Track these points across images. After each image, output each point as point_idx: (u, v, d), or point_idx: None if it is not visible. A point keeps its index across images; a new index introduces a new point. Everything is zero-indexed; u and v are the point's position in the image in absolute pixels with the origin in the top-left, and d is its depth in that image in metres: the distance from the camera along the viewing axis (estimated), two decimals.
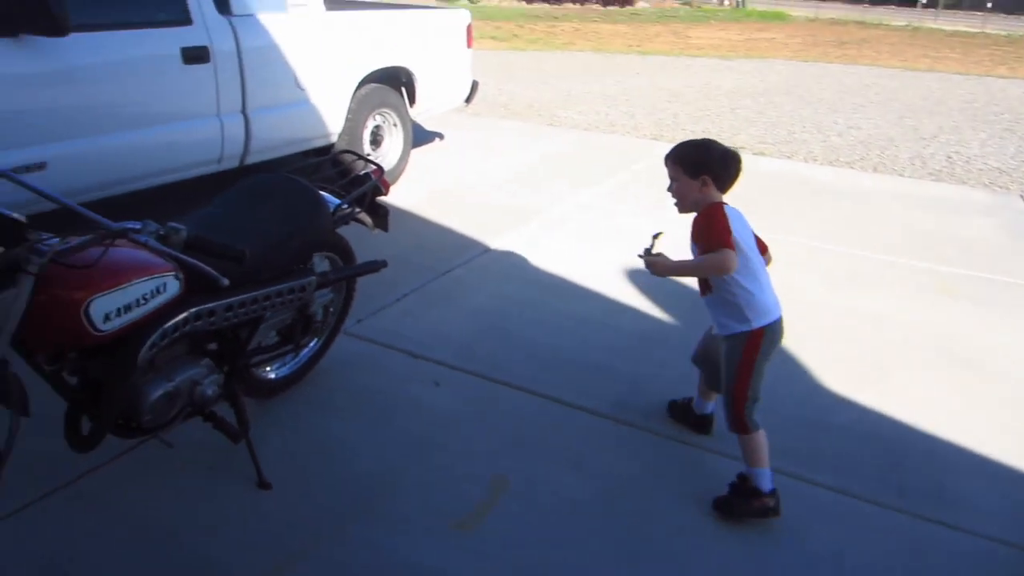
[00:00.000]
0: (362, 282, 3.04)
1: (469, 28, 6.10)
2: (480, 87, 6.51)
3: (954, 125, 8.71)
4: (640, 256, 2.39)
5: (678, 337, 3.43)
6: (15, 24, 3.14)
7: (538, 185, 5.67)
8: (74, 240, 1.67)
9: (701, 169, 2.26)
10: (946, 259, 4.33)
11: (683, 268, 2.39)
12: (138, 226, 1.70)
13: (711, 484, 2.43)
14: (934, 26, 26.32)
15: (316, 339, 2.87)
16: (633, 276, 4.05)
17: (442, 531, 2.20)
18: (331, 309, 2.89)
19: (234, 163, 4.40)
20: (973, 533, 2.31)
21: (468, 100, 6.30)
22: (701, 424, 2.72)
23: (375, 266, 2.77)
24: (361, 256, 2.89)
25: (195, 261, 1.82)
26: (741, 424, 2.30)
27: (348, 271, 2.76)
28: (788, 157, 6.95)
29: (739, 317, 2.27)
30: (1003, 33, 24.36)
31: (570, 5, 29.06)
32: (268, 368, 2.74)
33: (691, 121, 8.42)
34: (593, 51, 15.69)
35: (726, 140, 7.34)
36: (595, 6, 29.42)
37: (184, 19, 3.92)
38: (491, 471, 2.46)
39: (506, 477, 2.43)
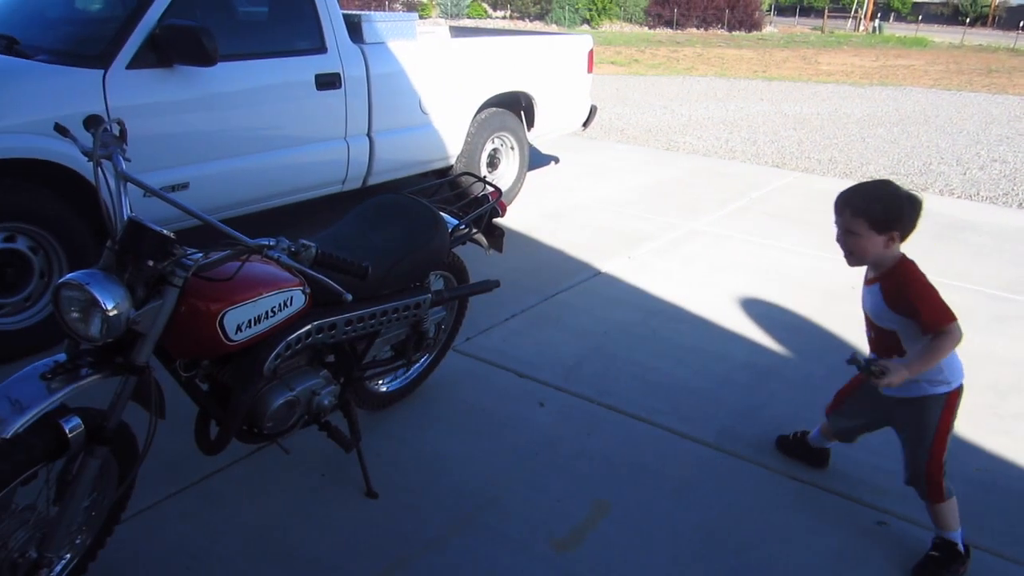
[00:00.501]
0: (472, 301, 3.13)
1: (590, 54, 6.16)
2: (598, 111, 6.55)
3: None
4: (863, 370, 2.03)
5: (791, 371, 3.32)
6: (171, 56, 3.44)
7: (651, 210, 5.63)
8: (214, 255, 1.81)
9: (892, 225, 2.01)
10: None
11: (921, 365, 2.00)
12: (272, 242, 1.82)
13: (818, 520, 2.35)
14: None
15: (427, 355, 2.97)
16: (746, 306, 3.95)
17: (541, 549, 2.22)
18: (443, 326, 2.98)
19: (357, 184, 4.63)
20: None
21: (586, 125, 6.36)
22: (820, 457, 2.62)
23: (488, 286, 2.83)
24: (474, 276, 2.97)
25: (322, 276, 1.93)
26: (939, 492, 2.15)
27: (462, 290, 2.84)
28: (923, 189, 6.56)
29: (936, 379, 2.09)
30: None
31: (693, 30, 28.75)
32: (381, 381, 2.86)
33: (817, 149, 8.12)
34: (716, 76, 15.43)
35: (855, 170, 7.12)
36: (719, 31, 28.96)
37: (320, 47, 4.19)
38: (592, 494, 2.46)
39: (607, 501, 2.43)
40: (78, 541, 1.93)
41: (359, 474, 2.44)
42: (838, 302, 4.01)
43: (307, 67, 4.10)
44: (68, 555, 1.92)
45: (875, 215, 2.00)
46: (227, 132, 3.78)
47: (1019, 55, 23.12)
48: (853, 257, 2.10)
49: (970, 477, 2.60)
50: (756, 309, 3.92)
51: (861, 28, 32.99)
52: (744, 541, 2.29)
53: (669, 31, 28.24)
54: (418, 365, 2.96)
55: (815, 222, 5.41)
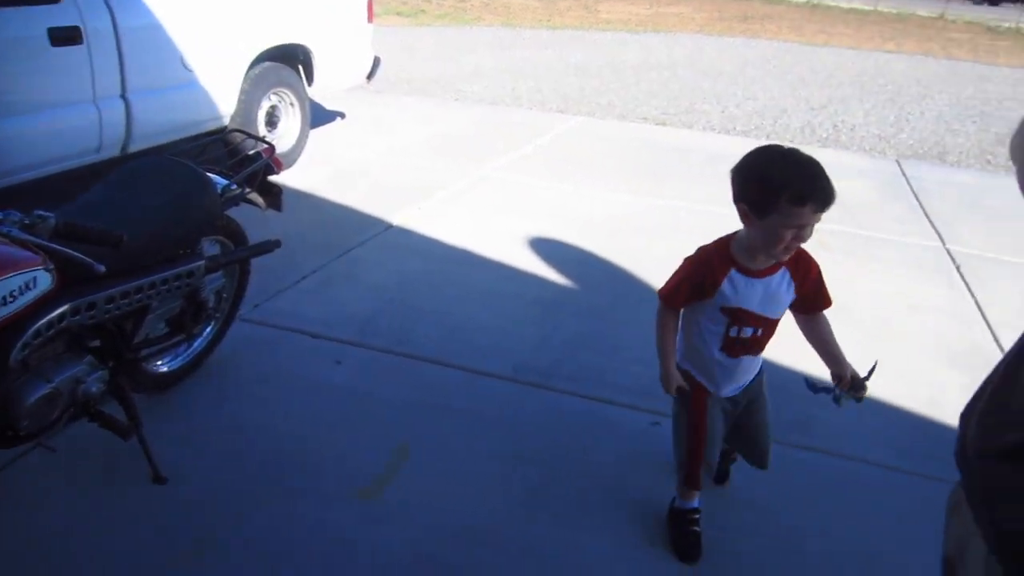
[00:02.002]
0: (260, 266, 3.00)
1: (370, 3, 5.98)
2: (384, 63, 6.42)
3: (842, 96, 9.13)
4: (843, 398, 1.86)
5: (577, 302, 3.54)
6: None
7: (441, 160, 5.67)
8: None
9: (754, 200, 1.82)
10: (825, 217, 4.56)
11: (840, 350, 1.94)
12: None
13: (605, 431, 2.59)
14: (832, 3, 27.34)
15: (210, 327, 2.82)
16: (535, 245, 4.13)
17: (348, 501, 2.23)
18: (224, 295, 2.83)
19: (115, 151, 4.18)
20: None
21: (370, 77, 6.19)
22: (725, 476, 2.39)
23: (268, 246, 2.72)
24: (258, 238, 2.84)
25: (66, 249, 1.75)
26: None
27: (239, 253, 2.71)
28: (688, 127, 7.15)
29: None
30: (893, 11, 25.54)
31: None
32: (159, 361, 2.66)
33: (597, 94, 8.54)
34: (502, 25, 15.64)
35: (630, 112, 7.56)
36: None
37: None
38: (393, 440, 2.50)
39: (407, 445, 2.48)
40: None
41: (146, 463, 2.29)
42: (617, 237, 4.30)
43: (36, 19, 3.60)
44: None
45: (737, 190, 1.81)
46: None
47: (770, 3, 25.54)
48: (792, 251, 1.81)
49: None
50: (545, 248, 4.11)
51: None
52: (539, 461, 2.44)
53: None
54: (201, 339, 2.79)
55: (597, 163, 5.73)
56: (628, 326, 3.31)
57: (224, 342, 2.92)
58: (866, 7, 26.61)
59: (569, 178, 5.36)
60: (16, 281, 1.76)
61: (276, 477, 2.32)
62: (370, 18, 6.03)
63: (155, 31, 4.21)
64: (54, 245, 1.76)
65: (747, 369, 1.98)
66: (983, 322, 3.49)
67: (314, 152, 5.60)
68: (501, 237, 4.22)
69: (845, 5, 26.88)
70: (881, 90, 9.67)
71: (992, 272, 4.04)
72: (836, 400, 1.84)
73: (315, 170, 5.26)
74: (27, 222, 1.66)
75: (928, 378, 3.02)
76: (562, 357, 3.03)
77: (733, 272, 1.86)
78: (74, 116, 3.84)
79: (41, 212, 1.69)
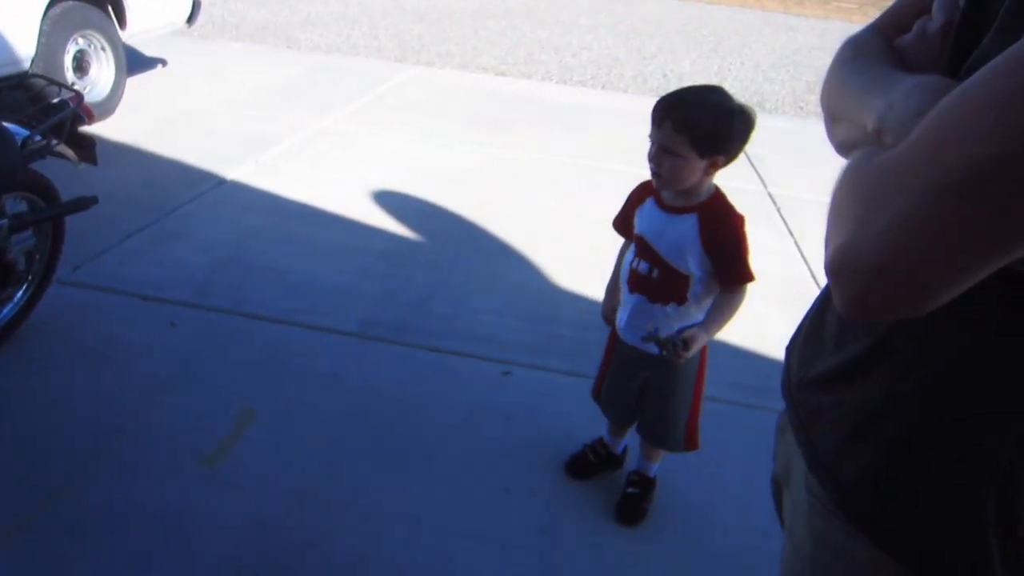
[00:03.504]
0: (81, 225, 2.77)
1: None
2: (207, 7, 6.00)
3: (671, 46, 9.57)
4: (666, 347, 1.70)
5: (424, 254, 3.54)
6: None
7: (276, 111, 5.41)
8: None
9: (719, 148, 1.65)
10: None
11: (718, 326, 1.77)
12: None
13: (454, 382, 2.63)
14: None
15: (21, 291, 2.58)
16: (379, 198, 4.07)
17: (187, 470, 2.14)
18: (37, 256, 2.60)
19: None
20: None
21: (190, 21, 5.77)
22: (619, 461, 2.28)
23: (83, 203, 2.52)
24: (77, 193, 2.61)
25: None
26: (696, 439, 2.03)
27: (50, 211, 2.48)
28: (527, 77, 7.24)
29: (696, 324, 1.79)
30: None
31: None
32: None
33: (435, 42, 8.43)
34: None
35: (470, 62, 7.55)
36: None
37: None
38: (237, 404, 2.42)
39: (252, 408, 2.41)
40: None
41: None
42: (461, 187, 4.33)
43: None
44: None
45: (702, 132, 1.62)
46: None
47: None
48: (664, 180, 1.73)
49: (575, 320, 3.07)
50: (389, 200, 4.07)
51: None
52: (387, 417, 2.44)
53: None
54: (11, 305, 2.55)
55: (438, 113, 5.69)
56: (476, 276, 3.37)
57: (41, 307, 2.69)
58: None
59: (410, 129, 5.30)
60: None
61: (105, 452, 2.19)
62: None
63: None
64: None
65: (639, 313, 1.84)
66: (802, 260, 3.84)
67: (134, 102, 5.16)
68: (343, 191, 4.13)
69: None
70: (705, 40, 10.22)
71: (808, 213, 4.43)
72: (659, 347, 1.72)
73: (136, 121, 4.87)
74: None
75: (756, 313, 3.30)
76: (410, 311, 3.04)
77: (649, 200, 1.84)
78: None
79: None
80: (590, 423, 2.30)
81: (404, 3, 11.15)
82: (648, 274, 1.82)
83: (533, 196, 4.31)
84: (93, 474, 2.10)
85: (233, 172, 4.24)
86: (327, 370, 2.64)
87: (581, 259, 3.56)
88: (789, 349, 0.97)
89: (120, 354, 2.62)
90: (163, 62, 6.51)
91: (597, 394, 2.17)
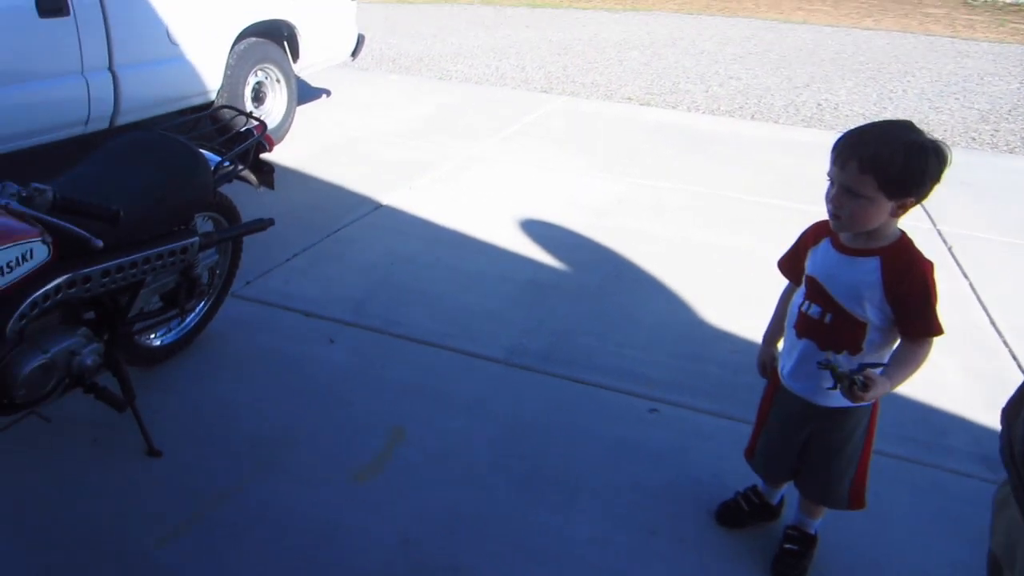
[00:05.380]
0: (251, 243, 2.98)
1: None
2: (367, 41, 6.35)
3: (824, 75, 9.17)
4: (843, 380, 1.52)
5: (568, 284, 3.54)
6: None
7: (429, 139, 5.63)
8: None
9: (910, 189, 1.53)
10: (810, 199, 4.59)
11: (901, 376, 1.61)
12: None
13: (601, 416, 2.59)
14: None
15: (203, 303, 2.81)
16: (525, 227, 4.13)
17: (340, 483, 2.24)
18: (217, 271, 2.82)
19: (104, 124, 4.16)
20: None
21: (354, 55, 6.15)
22: (775, 512, 2.15)
23: (261, 224, 2.71)
24: (249, 216, 2.82)
25: (63, 223, 1.73)
26: (863, 498, 1.88)
27: (233, 230, 2.69)
28: (673, 107, 7.15)
29: None
30: None
31: None
32: (153, 335, 2.66)
33: (580, 73, 8.51)
34: (482, 4, 15.49)
35: (615, 92, 7.55)
36: None
37: None
38: (388, 422, 2.51)
39: (402, 427, 2.48)
40: None
41: (139, 436, 2.29)
42: (607, 217, 4.31)
43: None
44: None
45: (893, 173, 1.50)
46: None
47: None
48: (844, 223, 1.60)
49: (724, 360, 2.97)
50: (534, 229, 4.11)
51: None
52: (532, 447, 2.44)
53: None
54: (194, 314, 2.79)
55: (584, 143, 5.72)
56: (622, 309, 3.33)
57: (216, 318, 2.91)
58: None
59: (557, 158, 5.36)
60: (12, 252, 1.75)
61: (266, 456, 2.33)
62: None
63: (141, 4, 4.15)
64: (52, 219, 1.74)
65: (807, 360, 1.71)
66: (978, 303, 3.51)
67: (301, 129, 5.54)
68: (490, 218, 4.22)
69: None
70: (862, 68, 9.72)
71: (982, 251, 4.08)
72: (835, 380, 1.55)
73: (302, 148, 5.21)
74: (24, 195, 1.65)
75: (928, 360, 3.06)
76: (555, 341, 3.04)
77: (825, 241, 1.73)
78: (63, 88, 3.80)
79: (39, 185, 1.67)
80: (742, 469, 2.19)
81: (550, 36, 11.35)
82: (820, 319, 1.70)
83: (679, 228, 4.22)
84: (254, 480, 2.23)
85: (388, 197, 4.43)
86: (474, 395, 2.68)
87: (730, 295, 3.44)
88: (1007, 413, 0.88)
89: (283, 366, 2.78)
90: (327, 92, 6.95)
91: (751, 454, 2.05)
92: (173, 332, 2.74)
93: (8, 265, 1.74)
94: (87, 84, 3.91)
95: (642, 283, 3.60)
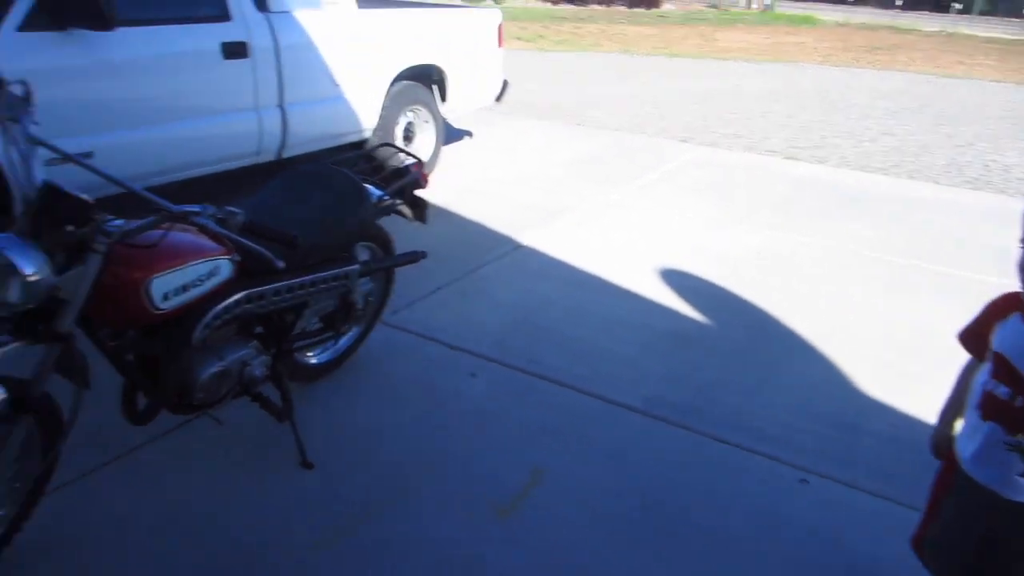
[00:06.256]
0: (399, 274, 3.09)
1: (500, 28, 6.15)
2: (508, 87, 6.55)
3: (991, 133, 8.60)
4: None
5: (709, 337, 3.44)
6: (65, 18, 3.22)
7: (567, 183, 5.70)
8: (138, 221, 1.73)
9: None
10: (978, 267, 4.29)
11: None
12: (197, 209, 1.75)
13: (745, 481, 2.46)
14: (968, 32, 25.95)
15: (356, 327, 2.92)
16: (664, 275, 4.06)
17: (479, 516, 2.24)
18: (371, 298, 2.93)
19: (271, 156, 4.48)
20: None
21: (499, 99, 6.35)
22: None
23: (415, 256, 2.81)
24: (399, 248, 2.93)
25: (252, 244, 1.86)
26: None
27: (390, 260, 2.80)
28: (820, 162, 6.90)
29: None
30: None
31: (596, 7, 29.06)
32: (310, 353, 2.79)
33: (721, 124, 8.40)
34: (620, 52, 15.67)
35: (758, 144, 7.39)
36: (621, 8, 29.40)
37: (223, 15, 4.00)
38: (528, 461, 2.49)
39: (542, 468, 2.46)
40: (2, 513, 1.82)
41: (292, 446, 2.39)
42: (746, 270, 4.18)
43: (212, 35, 3.92)
44: None
45: None
46: (131, 101, 3.59)
47: (899, 32, 24.52)
48: None
49: (882, 433, 2.77)
50: (673, 279, 4.04)
51: (754, 6, 34.15)
52: (678, 505, 2.36)
53: (572, 7, 28.42)
54: (347, 338, 2.91)
55: (725, 194, 5.61)
56: (768, 368, 3.19)
57: (366, 343, 3.02)
58: (1008, 36, 25.03)
59: (695, 207, 5.27)
60: (204, 268, 1.90)
61: (408, 480, 2.37)
62: (500, 43, 6.19)
63: (310, 49, 4.47)
64: (242, 239, 1.86)
65: (993, 445, 1.57)
66: None
67: (445, 169, 5.75)
68: (628, 264, 4.18)
69: (983, 34, 25.39)
70: None
71: None
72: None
73: (446, 186, 5.39)
74: (220, 216, 1.77)
75: None
76: (697, 395, 2.94)
77: (1015, 315, 1.60)
78: (239, 122, 4.13)
79: (232, 208, 1.79)
80: (907, 558, 1.98)
81: (689, 85, 11.31)
82: (1010, 400, 1.54)
83: (829, 287, 4.03)
84: (397, 502, 2.27)
85: (527, 238, 4.49)
86: (611, 443, 2.63)
87: (888, 364, 3.23)
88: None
89: (427, 395, 2.83)
90: (470, 134, 7.20)
91: (919, 544, 1.84)
92: (328, 352, 2.86)
93: (200, 279, 1.89)
94: (260, 119, 4.23)
95: (790, 342, 3.44)
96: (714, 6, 33.19)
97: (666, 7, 31.07)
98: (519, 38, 17.15)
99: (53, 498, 2.06)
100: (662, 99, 9.89)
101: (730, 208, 5.28)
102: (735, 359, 3.25)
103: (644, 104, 9.43)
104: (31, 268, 1.54)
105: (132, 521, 2.12)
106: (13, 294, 1.56)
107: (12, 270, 1.53)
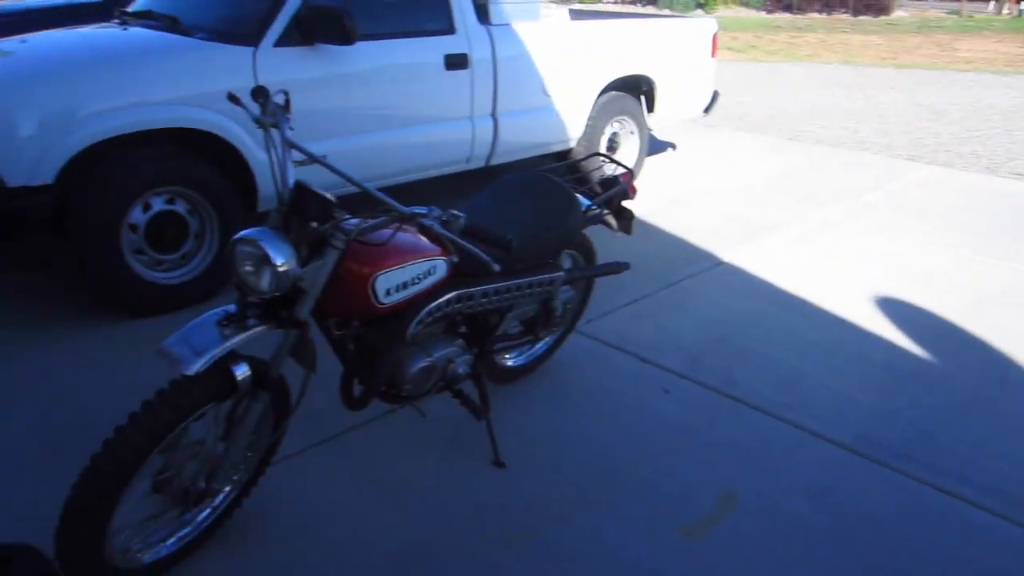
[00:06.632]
0: (596, 284, 3.10)
1: (715, 38, 5.99)
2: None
3: None
4: None
5: (935, 377, 3.11)
6: (314, 35, 3.57)
7: (776, 200, 5.43)
8: (371, 221, 1.87)
9: None
10: None
11: None
12: (424, 211, 1.86)
13: (967, 539, 2.21)
14: None
15: (552, 333, 2.97)
16: (884, 304, 3.75)
17: (663, 533, 2.19)
18: (569, 306, 2.97)
19: (480, 163, 4.68)
20: None
21: (707, 110, 6.19)
22: None
23: (618, 267, 2.81)
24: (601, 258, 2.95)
25: (470, 246, 1.96)
26: None
27: (593, 270, 2.82)
28: None
29: None
30: None
31: (815, 15, 27.50)
32: (507, 355, 2.88)
33: (956, 142, 7.60)
34: (841, 63, 14.69)
35: (1000, 165, 6.61)
36: (844, 16, 27.56)
37: (449, 28, 4.24)
38: (717, 484, 2.41)
39: (736, 493, 2.36)
40: (236, 477, 2.07)
41: (486, 444, 2.48)
42: (988, 308, 3.74)
43: (437, 48, 4.17)
44: (228, 489, 2.07)
45: None
46: (361, 109, 3.89)
47: None
48: None
49: None
50: (895, 308, 3.71)
51: (1005, 11, 30.48)
52: (883, 553, 2.16)
53: (789, 16, 27.09)
54: (543, 343, 2.97)
55: (959, 219, 5.08)
56: (1004, 417, 2.84)
57: (560, 350, 3.06)
58: None
59: (923, 234, 4.81)
60: (423, 267, 2.02)
61: (596, 491, 2.36)
62: (713, 53, 6.03)
63: (524, 60, 4.62)
64: (463, 242, 1.96)
65: None
66: None
67: (646, 180, 5.70)
68: (842, 289, 3.91)
69: None
70: None
71: None
72: None
73: (647, 197, 5.35)
74: (444, 218, 1.87)
75: None
76: (915, 437, 2.68)
77: None
78: (455, 130, 4.36)
79: (455, 212, 1.88)
80: None
81: (920, 99, 10.35)
82: None
83: None
84: (585, 510, 2.28)
85: (730, 254, 4.34)
86: (814, 478, 2.47)
87: None
88: None
89: (618, 407, 2.82)
90: (672, 145, 7.08)
91: None
92: (524, 356, 2.94)
93: (418, 277, 2.01)
94: (473, 128, 4.44)
95: None
96: (955, 12, 30.13)
97: (896, 14, 28.67)
98: (730, 48, 16.64)
99: (277, 469, 2.29)
100: (888, 113, 9.13)
101: (965, 236, 4.76)
102: (965, 404, 2.92)
103: (866, 118, 8.76)
104: (282, 259, 1.72)
105: (341, 497, 2.30)
106: (265, 283, 1.75)
107: (267, 261, 1.72)
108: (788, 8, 28.68)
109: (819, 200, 5.44)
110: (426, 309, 2.10)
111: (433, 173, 4.43)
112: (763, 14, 26.74)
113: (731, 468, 2.50)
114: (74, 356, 3.04)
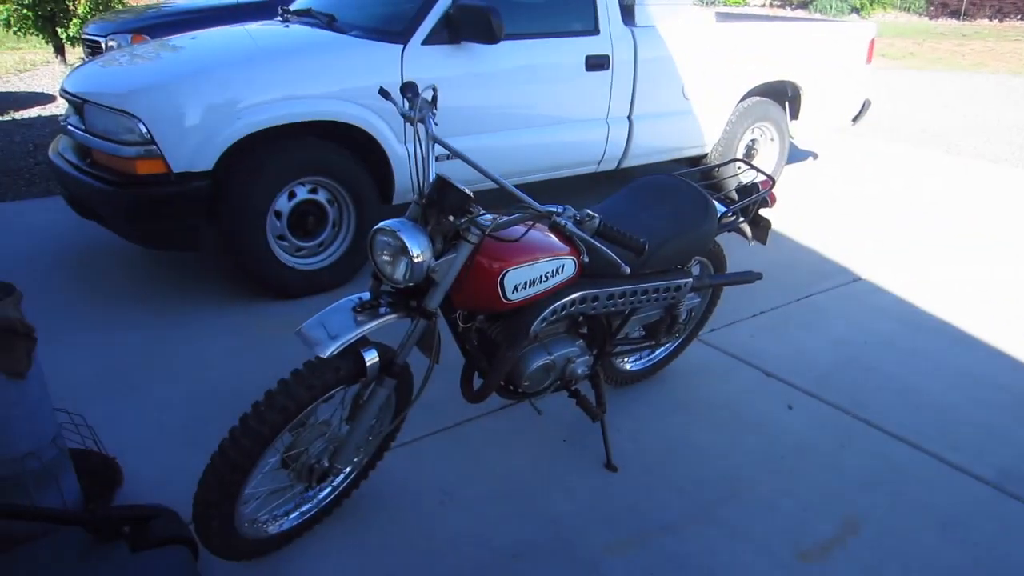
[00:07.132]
0: (723, 293, 3.04)
1: (871, 43, 5.69)
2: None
3: None
4: None
5: None
6: (461, 33, 3.69)
7: (924, 217, 5.10)
8: (505, 216, 1.92)
9: None
10: None
11: None
12: (559, 209, 1.89)
13: None
14: None
15: (674, 340, 2.95)
16: None
17: (778, 554, 2.13)
18: (693, 313, 2.93)
19: (612, 165, 4.68)
20: None
21: (856, 120, 5.89)
22: None
23: (750, 277, 2.74)
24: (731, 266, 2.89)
25: (602, 247, 1.98)
26: None
27: (723, 278, 2.76)
28: None
29: None
30: None
31: (985, 22, 25.43)
32: (626, 359, 2.88)
33: None
34: (1010, 74, 13.54)
35: None
36: (1018, 23, 25.34)
37: (593, 29, 4.26)
38: (841, 509, 2.31)
39: (859, 519, 2.26)
40: (356, 459, 2.18)
41: (599, 446, 2.50)
42: None
43: (579, 48, 4.19)
44: (348, 469, 2.19)
45: None
46: (499, 107, 3.97)
47: None
48: None
49: None
50: None
51: None
52: None
53: (954, 22, 25.18)
54: (663, 349, 2.95)
55: None
56: None
57: (680, 357, 3.03)
58: None
59: None
60: (552, 264, 2.04)
61: (709, 504, 2.33)
62: (869, 59, 5.72)
63: (666, 63, 4.56)
64: (595, 242, 1.98)
65: None
66: None
67: (784, 190, 5.50)
68: (994, 316, 3.63)
69: None
70: None
71: None
72: None
73: (784, 207, 5.17)
74: (578, 218, 1.90)
75: None
76: None
77: None
78: (590, 131, 4.38)
79: (589, 211, 1.91)
80: None
81: None
82: None
83: None
84: (697, 521, 2.25)
85: (869, 271, 4.13)
86: (948, 511, 2.32)
87: None
88: None
89: (737, 420, 2.76)
90: (814, 155, 6.79)
91: None
92: (643, 361, 2.93)
93: (546, 274, 2.05)
94: (608, 129, 4.44)
95: None
96: None
97: None
98: (884, 55, 15.72)
99: (393, 455, 2.40)
100: None
101: None
102: None
103: None
104: (418, 250, 1.79)
105: (452, 488, 2.38)
106: (400, 272, 1.82)
107: (404, 251, 1.79)
108: (955, 14, 26.70)
109: (972, 220, 5.07)
110: (551, 307, 2.12)
111: (564, 173, 4.46)
112: (925, 19, 25.02)
113: (856, 493, 2.39)
114: (228, 333, 3.29)
